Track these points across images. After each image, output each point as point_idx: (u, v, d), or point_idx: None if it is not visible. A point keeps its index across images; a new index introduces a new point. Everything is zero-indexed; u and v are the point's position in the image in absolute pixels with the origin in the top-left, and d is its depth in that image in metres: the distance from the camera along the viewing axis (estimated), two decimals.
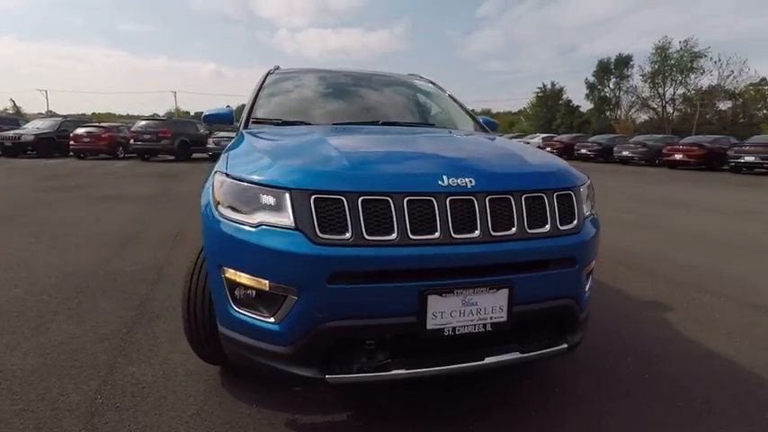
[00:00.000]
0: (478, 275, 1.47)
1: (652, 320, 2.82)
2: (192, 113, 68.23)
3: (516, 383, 2.05)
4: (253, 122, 2.48)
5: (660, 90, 47.15)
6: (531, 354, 1.61)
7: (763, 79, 45.61)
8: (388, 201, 1.43)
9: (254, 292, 1.51)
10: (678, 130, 40.48)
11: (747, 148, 15.57)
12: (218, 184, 1.65)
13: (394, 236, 1.41)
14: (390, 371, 1.47)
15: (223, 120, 2.67)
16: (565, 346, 1.67)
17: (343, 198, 1.42)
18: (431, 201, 1.46)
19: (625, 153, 20.28)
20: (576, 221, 1.65)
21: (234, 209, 1.55)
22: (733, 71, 43.83)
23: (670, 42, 44.63)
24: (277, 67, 3.18)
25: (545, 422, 1.77)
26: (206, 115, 2.69)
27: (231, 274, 1.54)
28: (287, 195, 1.45)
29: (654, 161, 19.48)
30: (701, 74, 44.82)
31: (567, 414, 1.83)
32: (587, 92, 50.71)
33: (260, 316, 1.51)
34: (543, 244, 1.56)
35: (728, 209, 7.65)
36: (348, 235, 1.40)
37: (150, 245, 4.32)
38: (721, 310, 3.00)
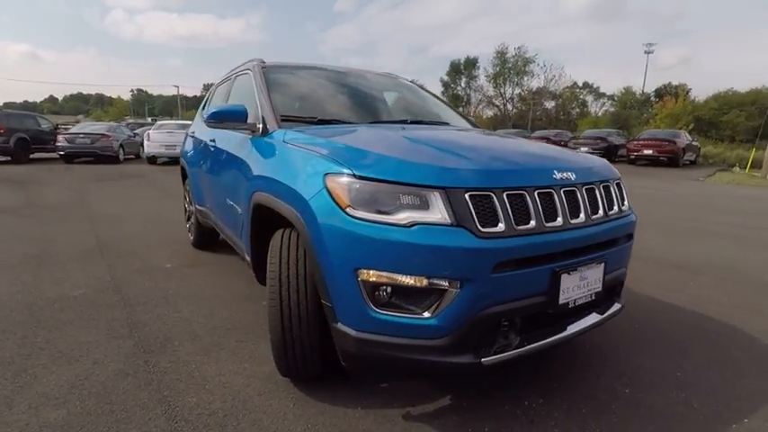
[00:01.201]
0: (589, 253, 1.72)
1: None
2: None
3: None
4: (282, 121, 2.32)
5: (501, 90, 54.05)
6: (605, 315, 1.93)
7: (575, 83, 55.85)
8: (524, 194, 1.58)
9: (402, 291, 1.52)
10: (516, 125, 47.10)
11: (582, 140, 18.97)
12: (341, 185, 1.58)
13: (533, 224, 1.58)
14: (525, 346, 1.63)
15: (235, 118, 2.42)
16: (620, 306, 2.03)
17: (492, 194, 1.53)
18: (551, 192, 1.66)
19: None
20: (627, 204, 2.02)
21: (372, 210, 1.53)
22: (555, 75, 52.36)
23: (507, 48, 51.38)
24: (262, 62, 2.97)
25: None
26: (215, 112, 2.41)
27: (372, 275, 1.51)
28: (437, 194, 1.49)
29: None
30: (532, 77, 52.54)
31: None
32: (443, 90, 55.73)
33: (409, 313, 1.53)
34: (617, 224, 1.88)
35: None
36: (502, 227, 1.52)
37: (75, 263, 3.63)
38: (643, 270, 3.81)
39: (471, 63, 55.35)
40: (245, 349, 2.30)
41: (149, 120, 43.05)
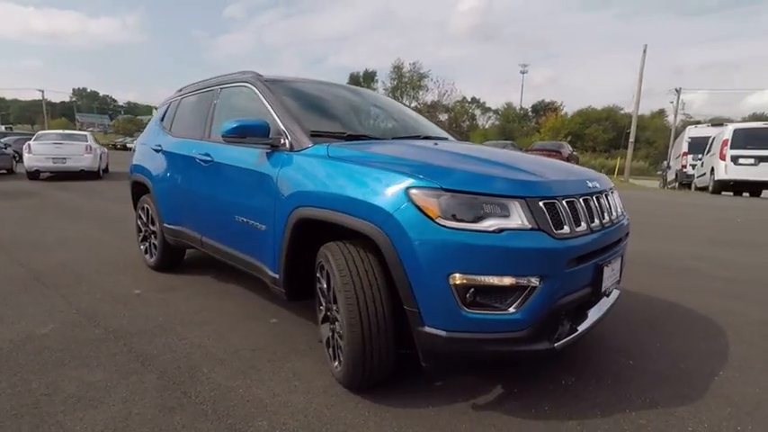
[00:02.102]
0: (614, 248, 2.07)
1: None
2: None
3: None
4: (313, 135, 2.34)
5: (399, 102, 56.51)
6: (614, 301, 2.29)
7: (464, 98, 60.64)
8: (574, 201, 1.86)
9: (490, 291, 1.69)
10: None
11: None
12: (430, 197, 1.70)
13: (584, 226, 1.86)
14: (577, 330, 1.91)
15: (259, 133, 2.36)
16: (619, 292, 2.42)
17: (556, 201, 1.78)
18: (590, 199, 1.97)
19: None
20: (622, 208, 2.44)
21: (460, 219, 1.67)
22: (447, 90, 56.32)
23: (403, 63, 54.05)
24: (259, 74, 2.90)
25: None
26: (238, 127, 2.32)
27: (464, 279, 1.66)
28: (517, 203, 1.70)
29: None
30: (426, 91, 55.88)
31: None
32: None
33: (497, 310, 1.70)
34: (625, 223, 2.28)
35: None
36: (567, 229, 1.77)
37: (16, 297, 3.11)
38: None
39: (370, 76, 57.19)
40: (284, 368, 2.25)
41: (3, 128, 36.64)
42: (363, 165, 1.98)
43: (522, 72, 69.22)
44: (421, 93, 55.39)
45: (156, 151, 3.58)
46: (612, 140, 45.48)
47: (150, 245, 3.83)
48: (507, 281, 1.68)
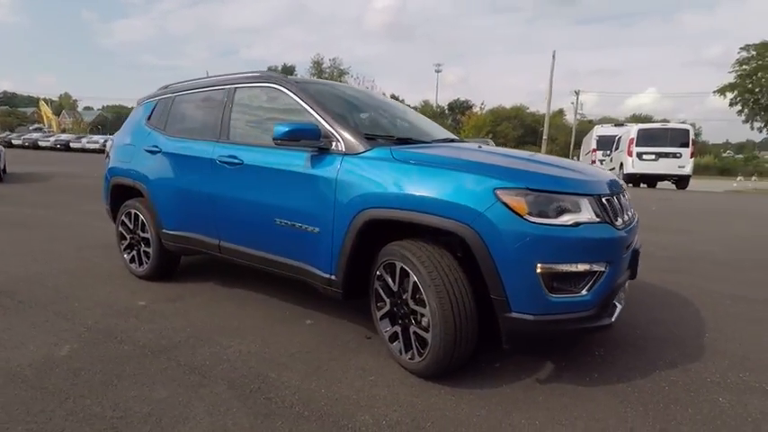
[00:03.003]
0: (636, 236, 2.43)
1: None
2: None
3: None
4: (367, 139, 2.40)
5: None
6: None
7: (384, 95, 61.43)
8: (612, 199, 2.17)
9: (569, 277, 1.93)
10: None
11: None
12: (517, 197, 1.89)
13: (626, 217, 2.18)
14: (618, 306, 2.23)
15: (311, 136, 2.36)
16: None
17: (604, 199, 2.07)
18: (618, 197, 2.29)
19: None
20: None
21: (544, 216, 1.89)
22: (367, 87, 56.88)
23: (323, 59, 53.57)
24: (283, 74, 2.88)
25: None
26: (292, 130, 2.30)
27: (550, 268, 1.89)
28: (586, 200, 1.96)
29: None
30: None
31: None
32: None
33: (573, 293, 1.95)
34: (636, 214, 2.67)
35: None
36: (620, 221, 2.08)
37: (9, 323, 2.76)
38: None
39: (289, 70, 55.93)
40: (349, 365, 2.32)
41: None
42: (438, 167, 2.12)
43: (437, 71, 72.30)
44: None
45: (152, 153, 3.34)
46: (521, 137, 49.33)
47: (140, 253, 3.56)
48: (582, 267, 1.94)
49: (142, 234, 3.52)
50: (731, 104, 24.37)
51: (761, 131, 25.02)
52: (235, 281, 3.58)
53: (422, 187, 2.08)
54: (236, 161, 2.78)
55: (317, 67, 53.92)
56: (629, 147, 12.89)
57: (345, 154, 2.36)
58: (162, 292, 3.32)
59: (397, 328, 2.25)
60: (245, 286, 3.47)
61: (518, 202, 1.90)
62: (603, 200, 2.02)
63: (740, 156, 47.26)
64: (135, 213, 3.53)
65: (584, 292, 1.97)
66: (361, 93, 3.17)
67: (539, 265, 1.89)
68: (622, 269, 2.13)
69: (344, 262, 2.33)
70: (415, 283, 2.07)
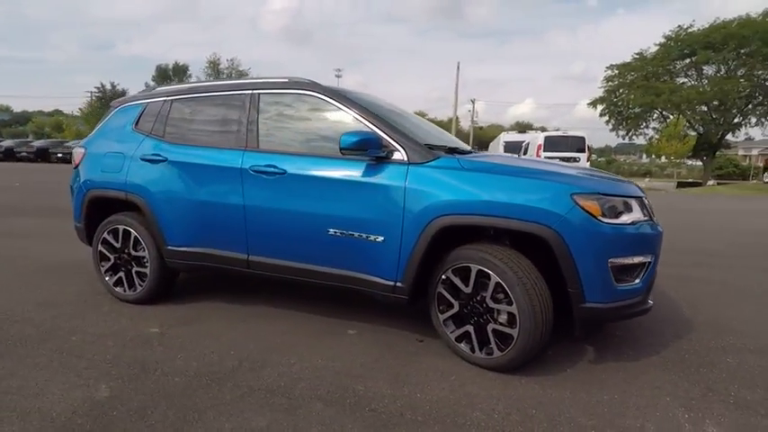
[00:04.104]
0: None
1: None
2: None
3: None
4: (429, 149, 2.49)
5: None
6: None
7: None
8: (645, 200, 2.55)
9: (629, 268, 2.24)
10: None
11: None
12: (591, 201, 2.13)
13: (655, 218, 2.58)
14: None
15: (374, 145, 2.37)
16: None
17: (645, 200, 2.43)
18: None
19: None
20: None
21: (611, 216, 2.17)
22: None
23: (219, 59, 50.66)
24: (314, 83, 2.81)
25: None
26: (360, 140, 2.28)
27: (618, 261, 2.18)
28: (636, 202, 2.29)
29: None
30: None
31: None
32: None
33: (631, 282, 2.26)
34: None
35: None
36: (656, 219, 2.45)
37: (9, 360, 2.30)
38: None
39: (182, 69, 51.90)
40: (424, 368, 2.37)
41: None
42: (511, 175, 2.30)
43: (338, 76, 72.54)
44: None
45: (152, 162, 2.99)
46: None
47: (130, 274, 3.17)
48: (637, 259, 2.27)
49: (134, 253, 3.14)
50: (601, 115, 28.65)
51: (624, 138, 29.79)
52: (237, 298, 3.37)
53: (501, 194, 2.24)
54: (275, 170, 2.65)
55: (214, 67, 50.85)
56: (537, 151, 14.46)
57: (410, 163, 2.42)
58: (167, 316, 3.00)
59: (469, 328, 2.37)
60: (256, 302, 3.29)
61: (592, 205, 2.15)
62: (644, 201, 2.38)
63: (602, 159, 55.13)
64: (124, 230, 3.13)
65: (636, 280, 2.30)
66: (382, 101, 3.21)
67: (610, 259, 2.16)
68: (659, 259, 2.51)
69: (414, 268, 2.39)
70: (497, 283, 2.21)
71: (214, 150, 2.88)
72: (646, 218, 2.33)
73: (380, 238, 2.44)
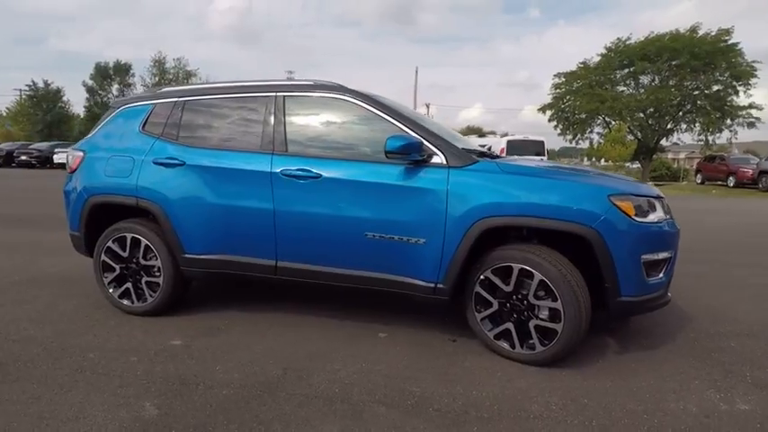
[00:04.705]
0: None
1: None
2: None
3: None
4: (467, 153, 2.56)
5: None
6: None
7: None
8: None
9: (656, 263, 2.40)
10: None
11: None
12: (626, 201, 2.28)
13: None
14: None
15: (415, 149, 2.40)
16: None
17: (665, 201, 2.62)
18: None
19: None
20: None
21: (642, 216, 2.34)
22: None
23: (165, 58, 48.28)
24: (342, 86, 2.79)
25: None
26: (404, 145, 2.31)
27: (649, 257, 2.34)
28: (658, 202, 2.47)
29: None
30: None
31: None
32: (88, 96, 47.11)
33: (657, 277, 2.43)
34: None
35: None
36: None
37: (11, 385, 2.09)
38: None
39: (124, 68, 48.96)
40: (468, 366, 2.43)
41: None
42: (549, 178, 2.41)
43: (290, 78, 71.59)
44: None
45: (168, 165, 2.84)
46: None
47: (140, 285, 2.99)
48: (662, 255, 2.45)
49: (144, 262, 2.97)
50: (549, 120, 30.19)
51: (571, 142, 31.55)
52: (251, 305, 3.27)
53: (543, 196, 2.34)
54: (310, 174, 2.61)
55: (159, 66, 48.46)
56: (500, 154, 14.99)
57: (450, 167, 2.47)
58: (183, 328, 2.85)
59: (509, 325, 2.45)
60: (272, 309, 3.20)
61: (627, 205, 2.31)
62: (664, 201, 2.57)
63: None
64: (133, 238, 2.95)
65: (661, 275, 2.48)
66: (404, 106, 3.25)
67: (642, 255, 2.33)
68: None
69: (456, 269, 2.44)
70: (541, 280, 2.31)
71: (238, 154, 2.79)
72: (667, 216, 2.52)
73: (422, 241, 2.47)
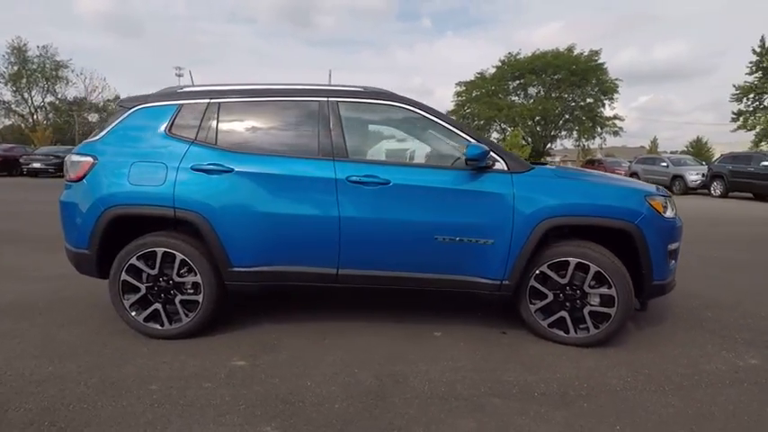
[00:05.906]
0: None
1: None
2: None
3: None
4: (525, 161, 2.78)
5: (25, 95, 43.90)
6: None
7: (118, 96, 52.76)
8: None
9: (673, 252, 2.87)
10: (60, 140, 40.53)
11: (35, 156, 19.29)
12: (658, 201, 2.70)
13: None
14: None
15: (484, 157, 2.56)
16: None
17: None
18: None
19: None
20: None
21: (666, 213, 2.78)
22: (97, 86, 47.67)
23: (26, 45, 41.63)
24: (393, 93, 2.83)
25: None
26: (485, 151, 2.46)
27: (673, 247, 2.80)
28: (669, 200, 2.95)
29: None
30: (68, 84, 45.69)
31: None
32: None
33: (674, 264, 2.90)
34: None
35: None
36: None
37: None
38: None
39: None
40: (534, 355, 2.64)
41: None
42: (596, 183, 2.77)
43: (178, 75, 66.18)
44: (60, 86, 44.63)
45: (211, 172, 2.59)
46: None
47: (172, 305, 2.70)
48: (676, 245, 2.93)
49: (178, 279, 2.69)
50: None
51: None
52: (277, 314, 3.14)
53: (595, 198, 2.67)
54: (377, 180, 2.61)
55: (19, 54, 41.59)
56: None
57: (512, 172, 2.68)
58: (234, 347, 2.65)
59: (563, 313, 2.74)
60: (313, 318, 3.10)
61: (659, 204, 2.74)
62: (672, 199, 3.08)
63: None
64: (165, 252, 2.66)
65: (673, 262, 2.97)
66: None
67: (669, 245, 2.78)
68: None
69: (522, 267, 2.65)
70: (597, 272, 2.63)
71: (295, 160, 2.68)
72: (675, 213, 3.02)
73: (491, 241, 2.64)
